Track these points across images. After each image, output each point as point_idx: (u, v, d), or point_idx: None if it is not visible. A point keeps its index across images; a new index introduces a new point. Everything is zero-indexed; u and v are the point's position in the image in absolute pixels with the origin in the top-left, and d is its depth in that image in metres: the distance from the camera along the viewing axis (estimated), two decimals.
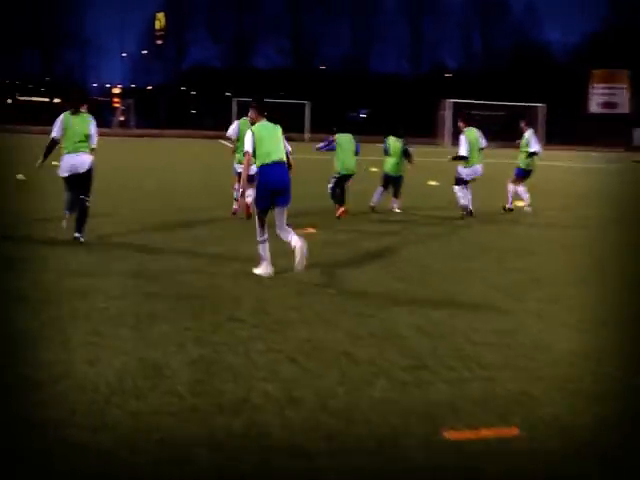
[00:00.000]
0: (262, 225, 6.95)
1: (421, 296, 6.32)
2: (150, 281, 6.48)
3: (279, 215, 6.95)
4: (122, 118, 62.56)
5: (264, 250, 6.95)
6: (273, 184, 6.89)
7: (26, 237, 8.64)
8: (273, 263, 6.91)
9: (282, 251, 6.99)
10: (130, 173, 18.24)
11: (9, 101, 72.20)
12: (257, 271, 6.98)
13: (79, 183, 8.29)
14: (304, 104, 51.99)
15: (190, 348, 4.68)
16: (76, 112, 8.35)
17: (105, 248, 8.05)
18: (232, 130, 10.95)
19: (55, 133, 8.29)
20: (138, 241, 8.57)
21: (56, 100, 64.21)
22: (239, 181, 11.15)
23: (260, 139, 6.97)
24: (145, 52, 77.27)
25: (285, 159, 7.08)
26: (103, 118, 64.53)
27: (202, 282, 6.51)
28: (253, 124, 7.44)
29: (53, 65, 74.79)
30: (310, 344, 4.84)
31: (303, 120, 51.47)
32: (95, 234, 8.73)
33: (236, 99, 49.01)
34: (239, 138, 10.40)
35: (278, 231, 6.96)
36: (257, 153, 6.95)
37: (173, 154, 28.77)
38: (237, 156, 10.77)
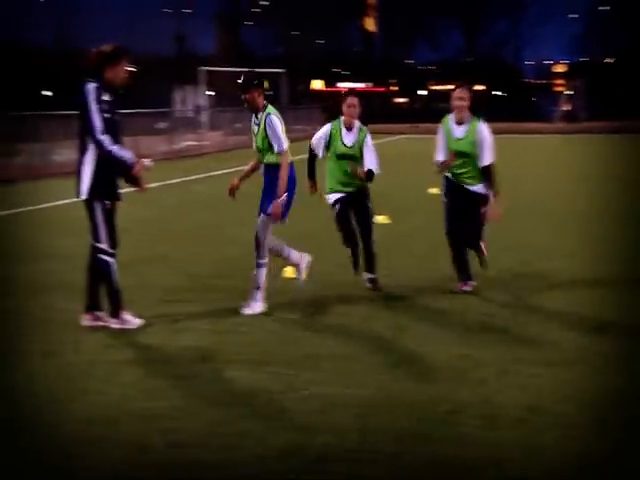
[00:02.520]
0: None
1: None
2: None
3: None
4: (568, 107, 62.92)
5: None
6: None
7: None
8: None
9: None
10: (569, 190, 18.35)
11: (422, 92, 78.67)
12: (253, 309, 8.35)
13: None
14: None
15: None
16: None
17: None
18: None
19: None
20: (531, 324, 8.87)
21: (496, 93, 66.21)
22: None
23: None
24: (605, 8, 76.75)
25: None
26: (541, 109, 65.74)
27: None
28: (256, 110, 8.29)
29: (477, 39, 79.03)
30: None
31: None
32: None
33: None
34: None
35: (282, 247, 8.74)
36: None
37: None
38: None
